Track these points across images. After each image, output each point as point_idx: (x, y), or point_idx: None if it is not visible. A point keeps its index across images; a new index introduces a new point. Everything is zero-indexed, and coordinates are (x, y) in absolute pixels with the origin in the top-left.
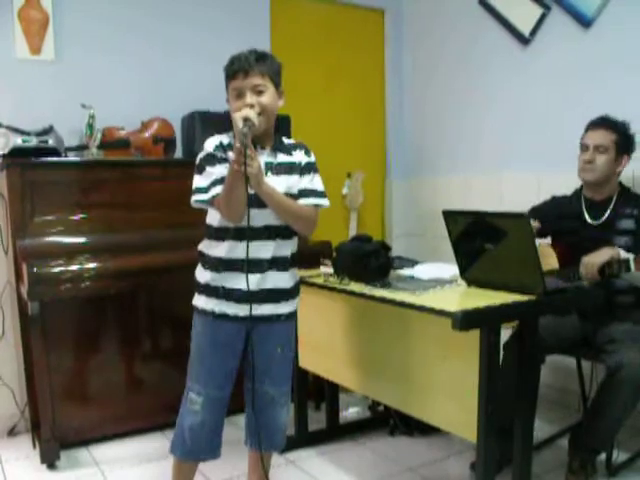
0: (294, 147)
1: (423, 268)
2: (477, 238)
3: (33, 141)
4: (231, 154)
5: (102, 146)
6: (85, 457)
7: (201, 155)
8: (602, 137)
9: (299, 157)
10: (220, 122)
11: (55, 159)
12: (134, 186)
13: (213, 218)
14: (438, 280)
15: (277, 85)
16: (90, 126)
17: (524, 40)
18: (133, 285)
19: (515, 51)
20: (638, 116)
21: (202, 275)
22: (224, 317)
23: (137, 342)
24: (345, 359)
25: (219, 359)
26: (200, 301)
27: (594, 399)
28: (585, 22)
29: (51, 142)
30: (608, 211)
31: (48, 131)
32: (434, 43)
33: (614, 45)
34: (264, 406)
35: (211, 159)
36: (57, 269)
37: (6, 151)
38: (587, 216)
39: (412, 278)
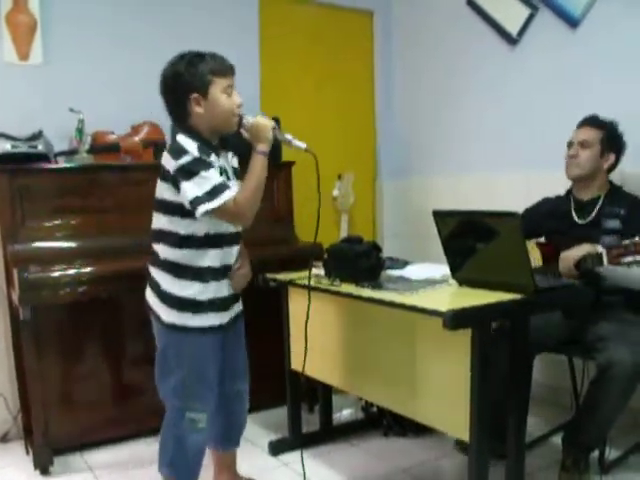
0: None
1: (414, 268)
2: (467, 238)
3: (22, 147)
4: (213, 159)
5: (92, 150)
6: (78, 462)
7: (188, 159)
8: (586, 133)
9: (234, 162)
10: None
11: (45, 165)
12: (124, 190)
13: (198, 227)
14: (429, 280)
15: None
16: (80, 131)
17: (512, 40)
18: (124, 290)
19: (503, 51)
20: (625, 116)
21: (181, 288)
22: (212, 329)
23: (130, 347)
24: (337, 360)
25: (214, 371)
26: (184, 318)
27: (586, 397)
28: (572, 22)
29: (40, 147)
30: (595, 211)
31: (37, 136)
32: (423, 44)
33: (601, 45)
34: (238, 404)
35: (202, 163)
36: (48, 274)
37: None
38: (575, 216)
39: (403, 278)
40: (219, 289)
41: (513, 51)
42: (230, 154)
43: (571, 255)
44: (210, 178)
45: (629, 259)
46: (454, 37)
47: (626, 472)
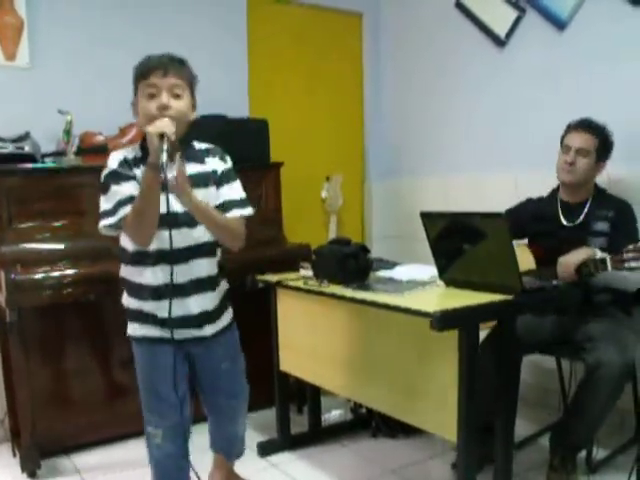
0: (207, 153)
1: (402, 269)
2: (455, 239)
3: (9, 147)
4: (138, 172)
5: (79, 152)
6: (66, 465)
7: (105, 173)
8: (585, 141)
9: (214, 165)
10: (198, 129)
11: (32, 165)
12: None
13: (127, 241)
14: (417, 281)
15: (193, 94)
16: (67, 132)
17: (500, 42)
18: (113, 291)
19: (491, 53)
20: (613, 116)
21: (129, 302)
22: (161, 341)
23: (118, 348)
24: (326, 362)
25: (168, 386)
26: (133, 329)
27: (573, 397)
28: (559, 24)
29: (27, 148)
30: (583, 213)
31: (24, 137)
32: (412, 45)
33: (588, 46)
34: (220, 417)
35: (116, 177)
36: (35, 276)
37: None
38: (562, 218)
39: (391, 280)
40: (160, 308)
41: (501, 53)
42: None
43: (571, 260)
44: (117, 193)
45: (632, 264)
46: (443, 39)
47: (614, 472)
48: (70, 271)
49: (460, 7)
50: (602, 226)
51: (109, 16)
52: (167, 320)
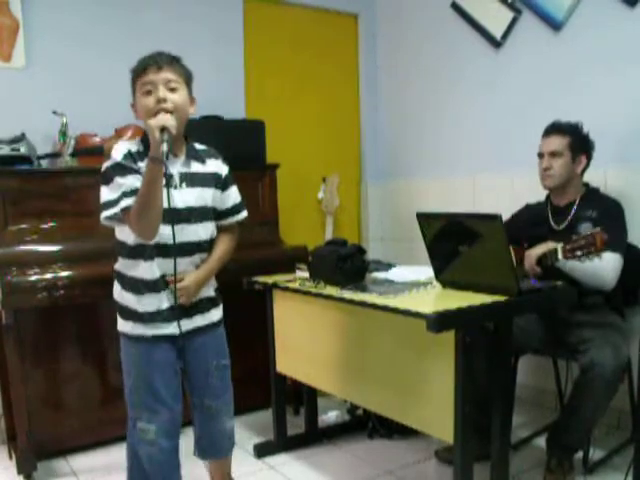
0: (207, 155)
1: (398, 271)
2: (451, 240)
3: (4, 149)
4: (142, 165)
5: (75, 153)
6: (63, 467)
7: (108, 164)
8: (554, 143)
9: (214, 167)
10: (193, 129)
11: (27, 167)
12: None
13: (127, 235)
14: (413, 283)
15: (190, 90)
16: (63, 133)
17: (496, 43)
18: (109, 293)
19: (487, 54)
20: (608, 116)
21: (123, 298)
22: (157, 338)
23: (113, 350)
24: (322, 363)
25: (163, 383)
26: (127, 326)
27: (569, 398)
28: (555, 25)
29: (23, 150)
30: (570, 216)
31: (20, 139)
32: (408, 46)
33: (584, 48)
34: (209, 420)
35: (120, 169)
36: (31, 278)
37: None
38: (552, 222)
39: (388, 281)
40: (157, 301)
41: (497, 54)
42: (181, 159)
43: (533, 252)
44: (122, 185)
45: (579, 252)
46: (439, 40)
47: (610, 473)
48: (66, 273)
49: (456, 8)
50: (586, 226)
51: (105, 18)
52: (166, 312)
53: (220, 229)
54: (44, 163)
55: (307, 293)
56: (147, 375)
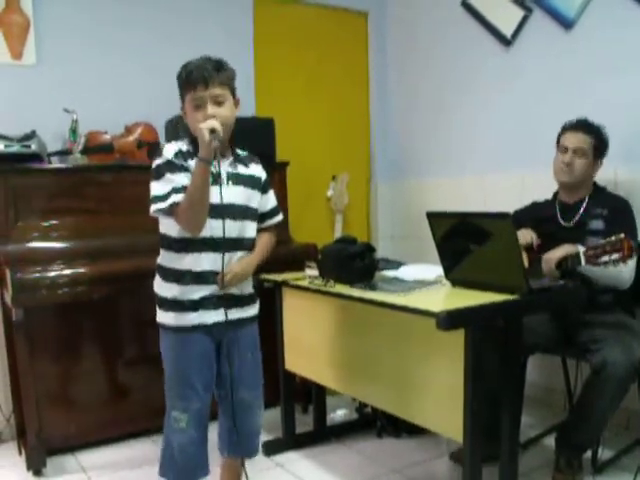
0: (249, 160)
1: (408, 269)
2: (460, 239)
3: (15, 146)
4: (191, 162)
5: (85, 151)
6: (72, 464)
7: (159, 161)
8: (582, 140)
9: (256, 171)
10: None
11: (38, 164)
12: (118, 191)
13: (171, 228)
14: (423, 281)
15: (234, 94)
16: (73, 131)
17: (506, 42)
18: (118, 290)
19: (498, 53)
20: (619, 116)
21: (166, 290)
22: (197, 329)
23: (123, 347)
24: (331, 361)
25: (199, 373)
26: (167, 318)
27: (579, 398)
28: (567, 24)
29: (34, 147)
30: (580, 213)
31: (30, 136)
32: (418, 45)
33: (596, 46)
34: (241, 413)
35: (171, 166)
36: (41, 275)
37: None
38: (561, 219)
39: (397, 279)
40: (203, 291)
41: (508, 52)
42: (228, 161)
43: (553, 256)
44: (172, 181)
45: (605, 259)
46: (449, 38)
47: (619, 472)
48: (76, 270)
49: (466, 6)
50: (597, 225)
51: (115, 16)
52: (215, 298)
53: (259, 231)
54: (55, 160)
55: (316, 291)
56: (184, 365)
